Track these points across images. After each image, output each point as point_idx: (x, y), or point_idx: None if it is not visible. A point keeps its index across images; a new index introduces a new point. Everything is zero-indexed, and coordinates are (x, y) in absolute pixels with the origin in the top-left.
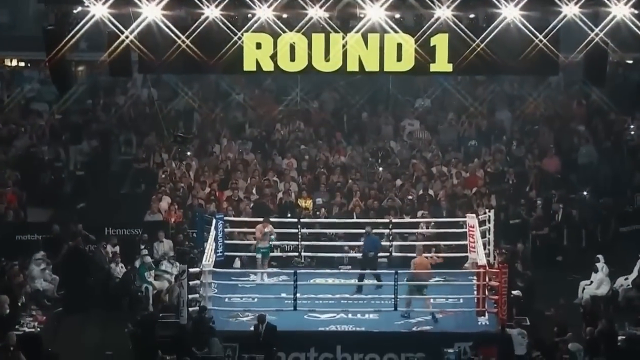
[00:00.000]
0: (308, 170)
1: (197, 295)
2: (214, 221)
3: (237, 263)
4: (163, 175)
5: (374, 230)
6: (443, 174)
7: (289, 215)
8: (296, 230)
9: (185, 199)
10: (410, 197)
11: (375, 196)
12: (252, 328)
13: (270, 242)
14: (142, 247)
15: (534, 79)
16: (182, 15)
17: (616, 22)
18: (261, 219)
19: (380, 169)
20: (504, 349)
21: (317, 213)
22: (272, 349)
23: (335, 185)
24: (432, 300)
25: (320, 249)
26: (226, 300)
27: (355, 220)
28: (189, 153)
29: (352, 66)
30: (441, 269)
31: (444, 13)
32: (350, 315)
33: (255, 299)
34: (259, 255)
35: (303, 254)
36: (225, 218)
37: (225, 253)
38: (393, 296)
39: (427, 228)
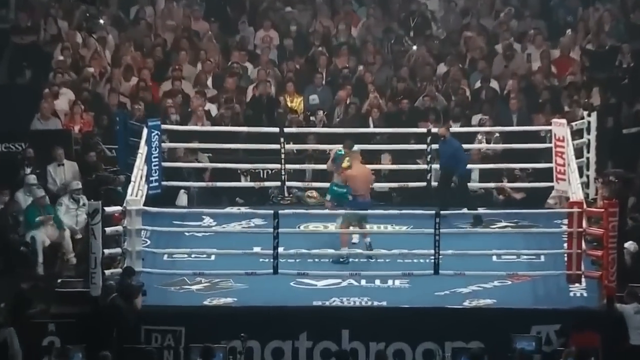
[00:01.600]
0: (296, 49)
1: (117, 251)
2: (144, 131)
3: (183, 199)
4: (61, 57)
5: (403, 147)
6: (514, 53)
7: (264, 120)
8: (277, 146)
9: (97, 95)
10: (461, 93)
11: (404, 91)
12: (206, 302)
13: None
14: (28, 171)
15: None
16: None
17: None
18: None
19: (414, 46)
20: (612, 334)
21: (312, 119)
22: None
23: (339, 74)
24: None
25: (315, 177)
26: (165, 258)
27: (371, 129)
28: (102, 20)
29: None
30: (511, 208)
31: None
32: (364, 282)
33: (212, 257)
34: (327, 198)
35: (288, 184)
36: (164, 126)
37: (164, 182)
38: (432, 252)
39: (489, 142)
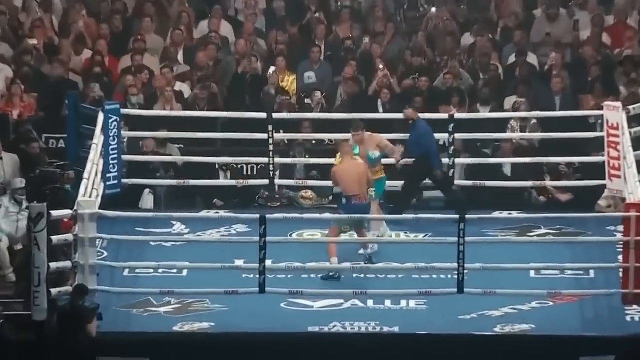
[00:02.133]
0: (288, 15)
1: (67, 265)
2: (100, 117)
3: (148, 200)
4: None
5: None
6: (557, 20)
7: (248, 103)
8: (264, 136)
9: (40, 72)
10: (491, 70)
11: (420, 68)
12: (177, 327)
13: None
14: None
15: None
16: None
17: None
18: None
19: (433, 8)
20: None
21: (306, 101)
22: None
23: (341, 46)
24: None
25: (311, 173)
26: (126, 273)
27: (380, 115)
28: None
29: None
30: (553, 211)
31: None
32: (371, 303)
33: (184, 272)
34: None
35: (278, 182)
36: (124, 111)
37: (124, 180)
38: (456, 266)
39: (525, 131)
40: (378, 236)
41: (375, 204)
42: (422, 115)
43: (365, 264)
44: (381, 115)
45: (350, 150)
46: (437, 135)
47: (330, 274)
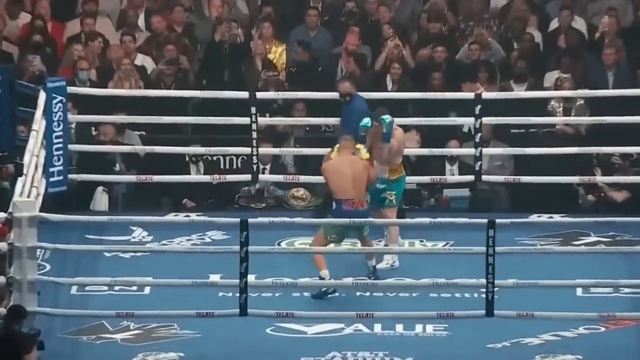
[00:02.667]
0: None
1: (0, 281)
2: (41, 96)
3: (102, 200)
4: None
5: (439, 121)
6: None
7: (226, 80)
8: (246, 120)
9: None
10: (527, 40)
11: (439, 35)
12: (138, 359)
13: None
14: None
15: None
16: None
17: None
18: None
19: None
20: None
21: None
22: None
23: (341, 11)
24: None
25: (304, 166)
26: (74, 291)
27: (388, 94)
28: None
29: None
30: (606, 214)
31: None
32: (378, 329)
33: (146, 289)
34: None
35: (263, 178)
36: (71, 89)
37: (71, 176)
38: (484, 282)
39: (569, 113)
40: (392, 265)
41: (392, 212)
42: (440, 95)
43: (370, 278)
44: (391, 95)
45: (350, 145)
46: (460, 120)
47: (323, 290)
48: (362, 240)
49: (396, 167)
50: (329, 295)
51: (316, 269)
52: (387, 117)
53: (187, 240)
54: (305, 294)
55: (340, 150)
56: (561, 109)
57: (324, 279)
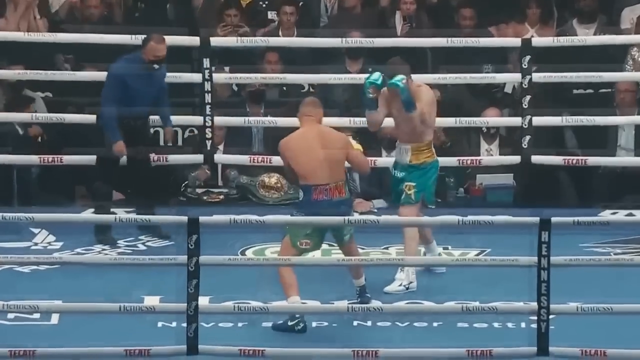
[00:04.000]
0: None
1: None
2: None
3: None
4: None
5: (468, 78)
6: None
7: (167, 17)
8: (197, 77)
9: None
10: None
11: None
12: None
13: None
14: None
15: None
16: None
17: None
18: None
19: None
20: None
21: (271, 16)
22: None
23: None
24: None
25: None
26: None
27: (397, 40)
28: None
29: None
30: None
31: None
32: None
33: (54, 317)
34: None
35: (221, 159)
36: None
37: None
38: (535, 306)
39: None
40: (407, 287)
41: (411, 212)
42: (472, 40)
43: (359, 301)
44: (401, 41)
45: (316, 112)
46: (501, 76)
47: (290, 323)
48: (342, 246)
49: (424, 146)
50: (297, 329)
51: (283, 288)
52: (398, 79)
53: (112, 247)
54: (280, 322)
55: (303, 119)
56: None
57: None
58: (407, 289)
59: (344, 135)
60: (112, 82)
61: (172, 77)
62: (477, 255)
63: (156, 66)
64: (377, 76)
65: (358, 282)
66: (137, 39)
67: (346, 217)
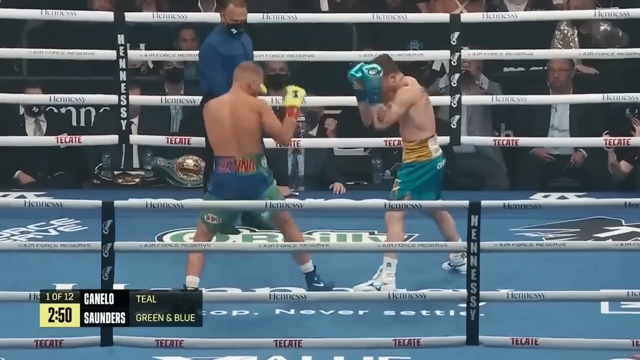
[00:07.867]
0: None
1: None
2: None
3: None
4: None
5: (400, 54)
6: None
7: None
8: (110, 54)
9: None
10: None
11: None
12: None
13: None
14: None
15: None
16: None
17: None
18: None
19: None
20: None
21: None
22: None
23: None
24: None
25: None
26: None
27: (321, 15)
28: None
29: None
30: None
31: None
32: None
33: None
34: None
35: (137, 139)
36: None
37: None
38: (464, 292)
39: (590, 44)
40: (378, 288)
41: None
42: (398, 16)
43: (311, 288)
44: (324, 17)
45: (244, 74)
46: (429, 54)
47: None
48: (263, 227)
49: (415, 145)
50: None
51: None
52: (366, 68)
53: (22, 233)
54: (212, 312)
55: (233, 84)
56: (575, 35)
57: (186, 288)
58: (379, 290)
59: (261, 103)
60: (205, 54)
61: (84, 54)
62: (405, 240)
63: (234, 30)
64: (356, 68)
65: (304, 268)
66: (51, 14)
67: (269, 202)
